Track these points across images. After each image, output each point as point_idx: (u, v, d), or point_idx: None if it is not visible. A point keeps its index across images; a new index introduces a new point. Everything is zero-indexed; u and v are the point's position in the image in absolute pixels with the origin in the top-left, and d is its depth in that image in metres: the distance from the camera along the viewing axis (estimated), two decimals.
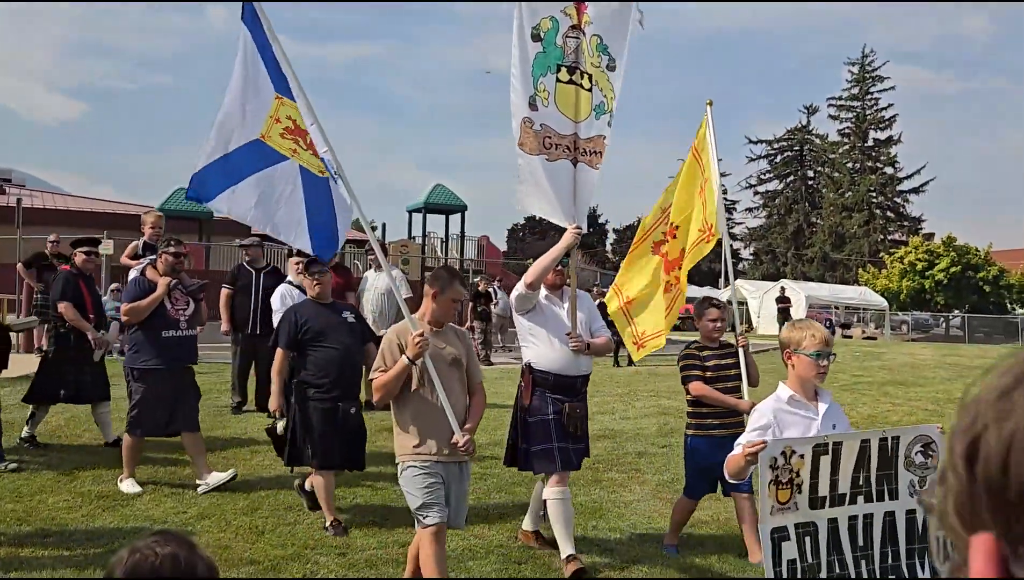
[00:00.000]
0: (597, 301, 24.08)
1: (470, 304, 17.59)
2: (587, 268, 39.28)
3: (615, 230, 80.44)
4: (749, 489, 5.08)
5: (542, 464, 5.21)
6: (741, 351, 5.49)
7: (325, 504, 5.76)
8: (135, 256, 8.31)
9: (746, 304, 41.09)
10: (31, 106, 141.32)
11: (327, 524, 5.66)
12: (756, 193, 73.28)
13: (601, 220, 79.77)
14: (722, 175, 67.74)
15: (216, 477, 6.53)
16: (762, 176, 72.62)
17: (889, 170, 64.96)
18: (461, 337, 4.76)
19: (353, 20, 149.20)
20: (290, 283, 8.46)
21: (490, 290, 17.67)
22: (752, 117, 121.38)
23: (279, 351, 5.96)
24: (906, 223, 64.21)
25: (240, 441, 8.28)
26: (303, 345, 5.89)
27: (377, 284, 10.33)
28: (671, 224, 6.05)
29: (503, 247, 61.21)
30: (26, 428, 7.75)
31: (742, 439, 3.49)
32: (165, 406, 6.50)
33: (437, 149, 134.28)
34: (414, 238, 27.14)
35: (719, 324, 5.52)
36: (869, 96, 65.76)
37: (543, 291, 5.39)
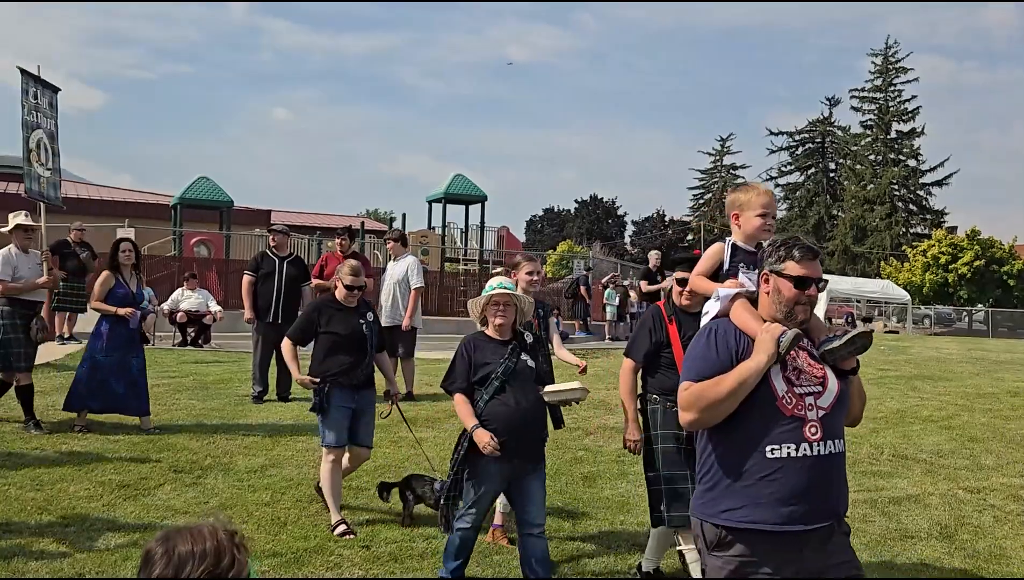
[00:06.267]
0: (620, 293, 23.57)
1: None
2: (606, 259, 39.11)
3: (634, 222, 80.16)
4: None
5: None
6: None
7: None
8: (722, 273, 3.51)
9: None
10: None
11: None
12: (777, 185, 72.78)
13: (620, 212, 79.50)
14: (742, 167, 66.96)
15: None
16: (783, 168, 72.18)
17: (912, 163, 64.35)
18: None
19: (369, 10, 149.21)
20: None
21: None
22: (773, 109, 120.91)
23: None
24: (929, 216, 63.58)
25: (262, 431, 8.20)
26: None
27: (392, 273, 10.22)
28: None
29: (522, 238, 61.04)
30: None
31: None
32: None
33: (454, 139, 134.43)
34: (434, 228, 27.07)
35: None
36: (892, 88, 65.09)
37: None
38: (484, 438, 4.32)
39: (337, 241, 10.57)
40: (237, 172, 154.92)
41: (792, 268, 2.89)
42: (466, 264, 26.80)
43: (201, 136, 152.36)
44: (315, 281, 10.25)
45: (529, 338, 4.76)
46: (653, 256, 17.14)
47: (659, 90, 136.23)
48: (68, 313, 14.11)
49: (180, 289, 15.63)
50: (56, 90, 8.61)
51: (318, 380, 5.61)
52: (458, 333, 20.10)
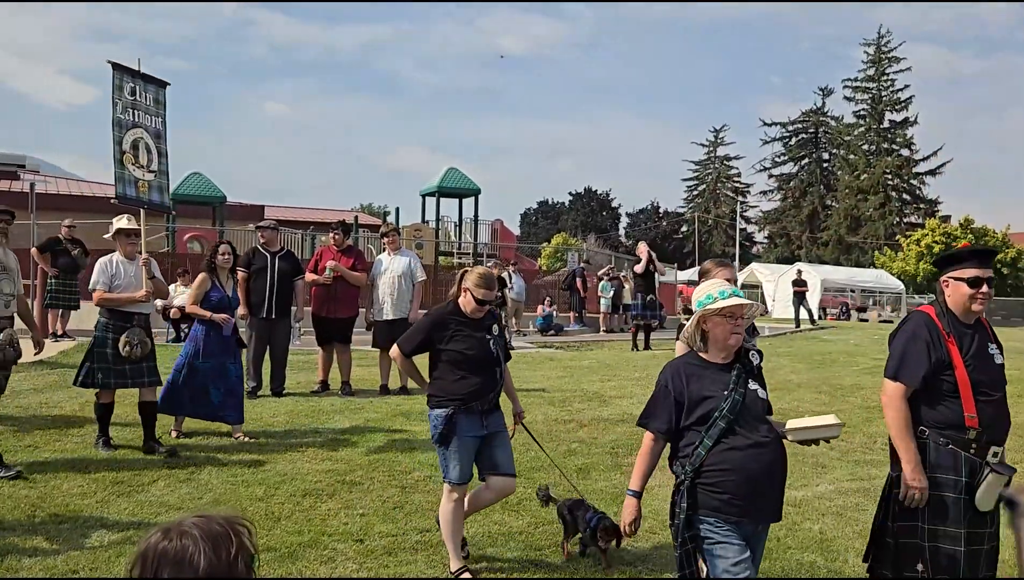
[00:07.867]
0: (615, 285, 23.64)
1: None
2: (600, 252, 39.14)
3: (628, 214, 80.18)
4: None
5: None
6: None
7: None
8: None
9: (761, 288, 40.82)
10: (40, 89, 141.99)
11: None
12: (770, 176, 72.94)
13: (614, 204, 79.48)
14: (735, 158, 67.36)
15: None
16: (776, 159, 72.29)
17: (905, 152, 64.49)
18: None
19: (363, 4, 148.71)
20: None
21: (504, 275, 17.54)
22: (766, 99, 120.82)
23: None
24: (922, 205, 63.74)
25: (256, 426, 8.20)
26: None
27: (393, 267, 10.25)
28: None
29: (516, 231, 61.02)
30: None
31: None
32: None
33: (448, 132, 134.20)
34: (428, 222, 27.06)
35: None
36: (885, 77, 65.19)
37: None
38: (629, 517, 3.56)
39: (331, 236, 10.55)
40: (230, 167, 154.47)
41: None
42: (460, 258, 26.79)
43: (194, 131, 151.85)
44: (310, 276, 10.25)
45: (756, 359, 3.62)
46: (642, 246, 17.18)
47: (653, 81, 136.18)
48: (61, 310, 14.08)
49: (174, 285, 15.61)
50: (163, 85, 7.82)
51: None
52: None
